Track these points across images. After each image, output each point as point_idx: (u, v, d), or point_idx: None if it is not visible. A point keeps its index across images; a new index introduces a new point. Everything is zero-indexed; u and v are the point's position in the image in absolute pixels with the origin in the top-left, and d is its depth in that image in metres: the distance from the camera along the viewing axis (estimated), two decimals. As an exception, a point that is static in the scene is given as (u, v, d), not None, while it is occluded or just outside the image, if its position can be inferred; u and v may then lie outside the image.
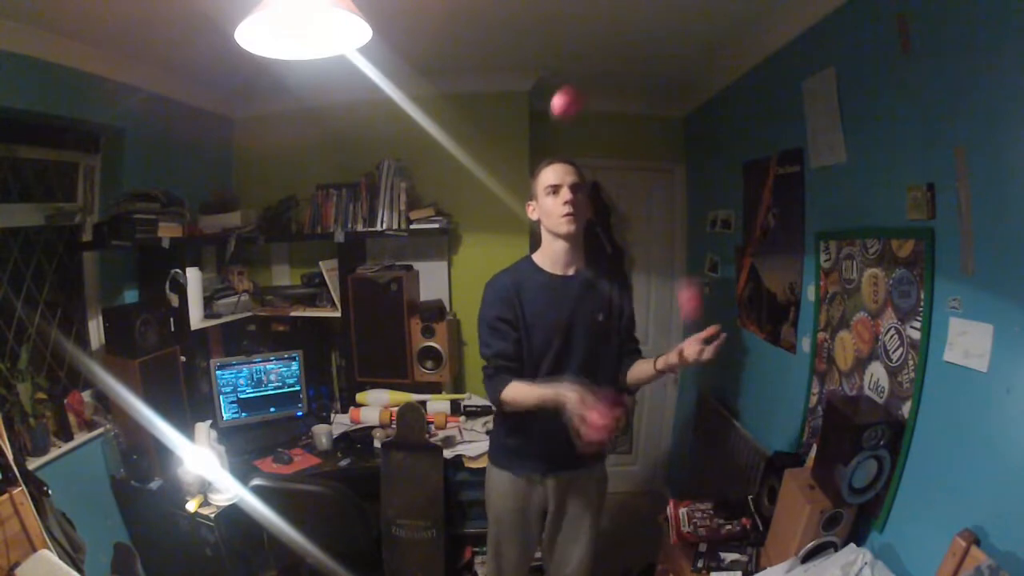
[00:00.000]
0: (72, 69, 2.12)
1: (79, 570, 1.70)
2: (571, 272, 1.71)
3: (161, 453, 2.24)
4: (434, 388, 2.89)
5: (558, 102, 1.56)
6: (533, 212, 1.72)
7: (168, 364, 2.41)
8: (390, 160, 2.84)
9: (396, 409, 2.41)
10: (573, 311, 1.67)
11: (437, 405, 2.74)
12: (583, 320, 1.68)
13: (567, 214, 1.62)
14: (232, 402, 2.70)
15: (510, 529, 1.82)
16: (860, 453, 1.43)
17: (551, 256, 1.71)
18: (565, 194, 1.62)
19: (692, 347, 1.47)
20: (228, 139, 3.20)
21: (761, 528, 1.84)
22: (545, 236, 1.72)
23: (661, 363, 1.60)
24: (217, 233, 2.81)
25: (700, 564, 1.83)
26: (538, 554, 1.97)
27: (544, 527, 1.87)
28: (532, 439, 1.72)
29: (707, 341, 1.47)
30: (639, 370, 1.72)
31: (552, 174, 1.65)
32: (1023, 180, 1.15)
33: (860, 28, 1.66)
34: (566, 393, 1.42)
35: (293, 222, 3.00)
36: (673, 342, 3.42)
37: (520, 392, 1.60)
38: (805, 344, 2.01)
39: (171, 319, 2.46)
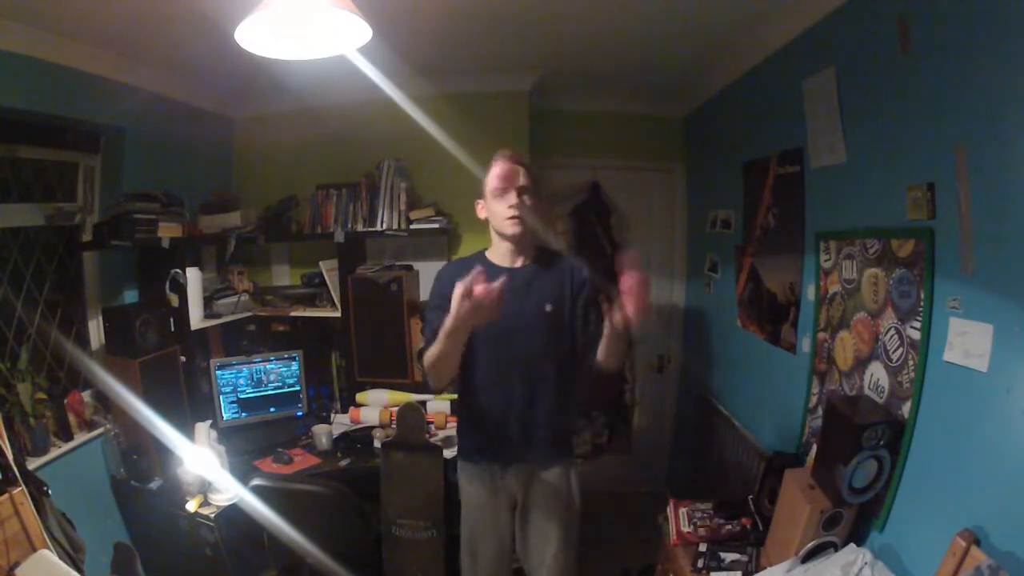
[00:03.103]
0: (72, 69, 2.12)
1: (79, 570, 1.70)
2: (518, 264, 1.71)
3: (161, 453, 2.24)
4: (434, 388, 2.89)
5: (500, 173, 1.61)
6: (482, 211, 1.72)
7: (168, 364, 2.41)
8: (390, 160, 2.84)
9: (396, 409, 2.40)
10: (518, 302, 1.63)
11: (437, 405, 2.74)
12: (529, 312, 1.65)
13: (512, 217, 1.62)
14: (232, 402, 2.70)
15: (480, 523, 1.80)
16: (860, 453, 1.43)
17: (500, 252, 1.72)
18: (511, 198, 1.62)
19: (616, 310, 1.39)
20: (228, 139, 3.20)
21: (761, 528, 1.84)
22: (493, 234, 1.72)
23: (609, 327, 1.51)
24: (217, 233, 2.81)
25: (700, 564, 1.83)
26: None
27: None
28: (486, 432, 1.73)
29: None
30: (605, 344, 1.59)
31: (499, 175, 1.64)
32: (1023, 180, 1.15)
33: (860, 28, 1.66)
34: (453, 304, 1.37)
35: (293, 222, 3.00)
36: (673, 342, 3.46)
37: (430, 349, 1.56)
38: (805, 344, 2.01)
39: (171, 319, 2.46)
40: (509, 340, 1.65)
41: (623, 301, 1.37)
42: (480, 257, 1.76)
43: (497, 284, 1.37)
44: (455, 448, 2.40)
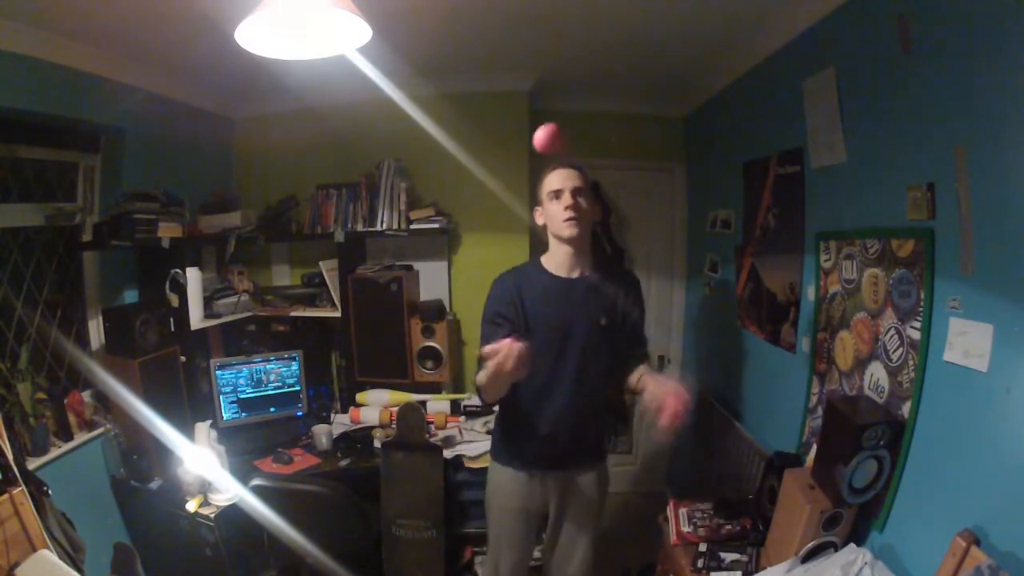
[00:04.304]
0: (72, 69, 2.12)
1: (79, 570, 1.70)
2: (576, 275, 1.71)
3: (161, 453, 2.24)
4: (434, 388, 2.89)
5: (541, 138, 1.58)
6: (540, 217, 1.74)
7: (168, 364, 2.41)
8: (390, 160, 2.84)
9: (396, 409, 2.41)
10: (574, 313, 1.68)
11: (437, 405, 2.74)
12: (584, 323, 1.68)
13: (569, 218, 1.63)
14: (232, 402, 2.70)
15: (511, 528, 1.82)
16: (860, 453, 1.43)
17: (557, 259, 1.72)
18: (567, 199, 1.63)
19: (653, 407, 1.47)
20: (228, 139, 3.20)
21: (761, 528, 1.84)
22: (551, 240, 1.73)
23: (634, 384, 1.64)
24: (217, 233, 2.81)
25: (700, 564, 1.83)
26: (536, 554, 1.96)
27: (543, 527, 1.87)
28: (532, 436, 1.73)
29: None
30: (634, 377, 1.69)
31: (555, 179, 1.66)
32: (1023, 180, 1.15)
33: (860, 28, 1.66)
34: (495, 353, 1.37)
35: (293, 222, 3.00)
36: (673, 342, 3.45)
37: (480, 375, 1.56)
38: (805, 344, 2.01)
39: (171, 319, 2.46)
40: (564, 349, 1.67)
41: (663, 414, 1.45)
42: (535, 265, 1.76)
43: (519, 346, 1.34)
44: (455, 448, 2.42)
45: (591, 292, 1.70)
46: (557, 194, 1.65)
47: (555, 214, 1.66)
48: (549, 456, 1.74)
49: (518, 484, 1.78)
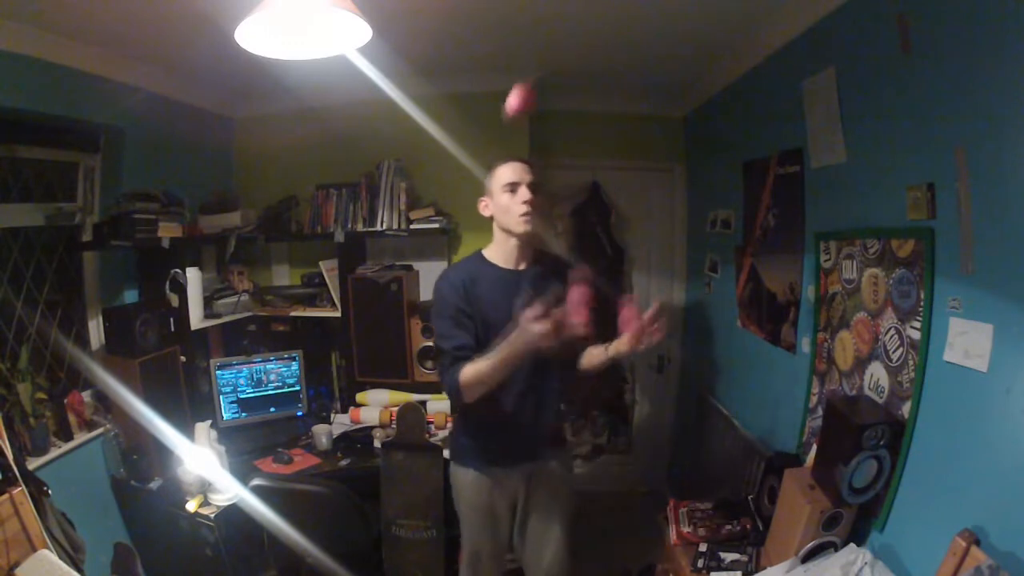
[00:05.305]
0: (72, 69, 2.12)
1: (79, 570, 1.70)
2: (522, 267, 1.72)
3: (161, 453, 2.24)
4: (434, 388, 2.89)
5: (513, 102, 1.56)
6: (486, 208, 1.72)
7: (168, 364, 2.41)
8: (390, 160, 2.84)
9: (396, 409, 2.41)
10: (526, 304, 1.65)
11: (437, 405, 2.74)
12: None
13: (525, 213, 1.62)
14: (232, 402, 2.70)
15: (482, 526, 1.81)
16: (860, 453, 1.43)
17: (503, 252, 1.72)
18: (524, 193, 1.62)
19: (634, 336, 1.52)
20: (228, 139, 3.20)
21: (761, 528, 1.84)
22: (498, 233, 1.72)
23: (612, 350, 1.63)
24: (217, 233, 2.81)
25: (700, 564, 1.83)
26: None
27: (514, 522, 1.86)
28: (492, 434, 1.73)
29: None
30: (591, 356, 1.73)
31: (511, 172, 1.65)
32: (1023, 180, 1.15)
33: (860, 28, 1.66)
34: (522, 330, 1.37)
35: (293, 222, 3.00)
36: (672, 341, 3.45)
37: (478, 367, 1.53)
38: (805, 344, 2.01)
39: (171, 319, 2.46)
40: None
41: (625, 331, 1.51)
42: (479, 259, 1.75)
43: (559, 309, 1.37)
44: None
45: (539, 282, 1.69)
46: (513, 187, 1.63)
47: (510, 207, 1.64)
48: (512, 449, 1.74)
49: (483, 484, 1.77)
